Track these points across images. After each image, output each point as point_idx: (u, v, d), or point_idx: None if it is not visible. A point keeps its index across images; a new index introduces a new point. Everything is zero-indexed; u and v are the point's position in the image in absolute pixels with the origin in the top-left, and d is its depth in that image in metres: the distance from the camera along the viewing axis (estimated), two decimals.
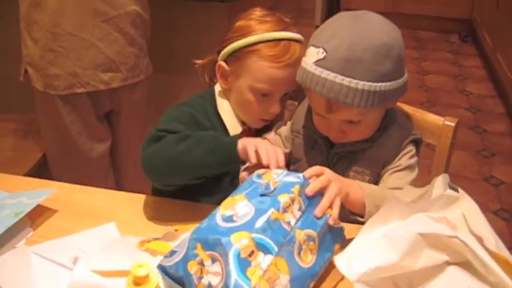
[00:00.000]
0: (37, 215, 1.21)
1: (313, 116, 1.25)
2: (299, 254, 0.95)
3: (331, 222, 1.01)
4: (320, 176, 1.04)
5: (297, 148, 1.33)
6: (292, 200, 0.98)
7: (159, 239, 1.08)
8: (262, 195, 0.99)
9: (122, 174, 2.05)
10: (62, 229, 1.18)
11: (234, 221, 0.93)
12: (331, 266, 1.01)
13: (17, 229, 1.16)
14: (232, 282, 0.85)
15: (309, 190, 1.01)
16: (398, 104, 1.35)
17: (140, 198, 1.29)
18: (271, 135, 1.38)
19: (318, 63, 1.13)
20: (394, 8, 4.56)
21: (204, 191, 1.29)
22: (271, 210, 0.95)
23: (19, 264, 1.06)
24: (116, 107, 1.89)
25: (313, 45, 1.16)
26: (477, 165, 3.00)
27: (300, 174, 1.04)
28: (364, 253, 0.94)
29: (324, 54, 1.12)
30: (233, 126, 1.36)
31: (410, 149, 1.26)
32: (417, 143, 1.28)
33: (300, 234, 0.96)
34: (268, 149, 1.11)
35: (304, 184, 1.02)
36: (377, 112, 1.21)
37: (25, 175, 1.88)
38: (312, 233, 0.99)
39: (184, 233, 1.06)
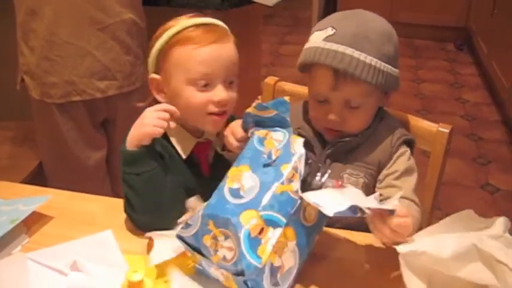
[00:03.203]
0: (33, 222, 1.21)
1: (311, 106, 1.27)
2: (304, 215, 1.01)
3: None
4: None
5: None
6: (295, 169, 1.03)
7: None
8: (265, 165, 1.03)
9: (118, 182, 2.03)
10: (57, 236, 1.18)
11: (241, 197, 0.98)
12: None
13: (13, 236, 1.16)
14: (244, 262, 0.91)
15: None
16: (392, 110, 1.36)
17: None
18: None
19: (327, 38, 1.18)
20: (391, 17, 4.52)
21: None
22: (276, 184, 0.99)
23: (16, 270, 1.06)
24: (111, 115, 1.89)
25: (318, 30, 1.22)
26: (473, 173, 3.01)
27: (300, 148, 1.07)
28: (420, 236, 0.98)
29: (334, 30, 1.19)
30: (182, 144, 1.27)
31: (404, 150, 1.26)
32: (410, 143, 1.29)
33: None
34: (168, 111, 1.15)
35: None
36: (374, 100, 1.24)
37: (21, 183, 1.87)
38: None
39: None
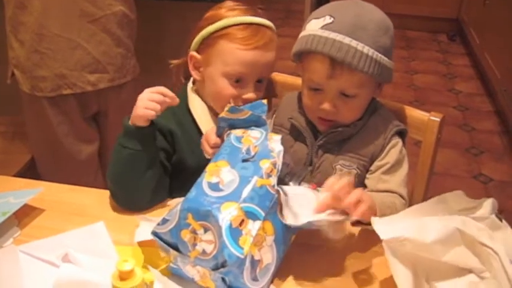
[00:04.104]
0: (24, 215, 1.21)
1: (305, 94, 1.26)
2: (281, 211, 1.01)
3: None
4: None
5: None
6: (274, 164, 1.04)
7: None
8: (244, 160, 1.04)
9: None
10: (49, 228, 1.18)
11: (221, 190, 0.98)
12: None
13: (4, 229, 1.16)
14: (226, 252, 0.91)
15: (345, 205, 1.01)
16: (383, 100, 1.36)
17: None
18: None
19: (325, 27, 1.17)
20: (383, 9, 4.51)
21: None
22: (255, 178, 1.00)
23: (8, 263, 1.06)
24: (103, 108, 1.89)
25: (315, 18, 1.21)
26: (466, 163, 3.02)
27: (278, 145, 1.09)
28: (402, 222, 0.98)
29: (332, 19, 1.17)
30: (205, 123, 1.35)
31: (396, 141, 1.26)
32: (402, 134, 1.29)
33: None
34: (163, 93, 1.19)
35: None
36: (368, 91, 1.24)
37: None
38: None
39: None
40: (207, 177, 1.01)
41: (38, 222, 1.21)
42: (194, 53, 1.35)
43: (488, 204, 1.04)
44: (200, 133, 1.34)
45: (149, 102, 1.18)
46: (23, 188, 1.29)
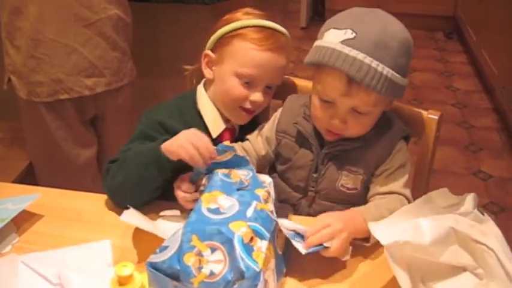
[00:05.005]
0: (23, 221, 1.20)
1: (315, 105, 1.22)
2: (276, 240, 1.00)
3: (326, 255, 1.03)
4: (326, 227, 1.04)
5: (284, 148, 1.32)
6: (268, 193, 1.04)
7: None
8: (239, 189, 1.03)
9: None
10: (48, 234, 1.17)
11: (223, 213, 0.96)
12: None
13: (3, 235, 1.15)
14: (243, 265, 0.87)
15: (308, 245, 1.02)
16: None
17: None
18: (253, 136, 1.37)
19: (346, 42, 1.12)
20: (379, 7, 4.50)
21: None
22: (255, 202, 0.99)
23: (6, 272, 1.05)
24: (100, 112, 1.88)
25: (335, 28, 1.15)
26: (465, 160, 3.02)
27: (266, 177, 1.11)
28: (398, 225, 0.97)
29: (354, 34, 1.12)
30: (214, 124, 1.35)
31: (402, 145, 1.25)
32: (407, 138, 1.28)
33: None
34: (199, 147, 1.11)
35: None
36: (381, 108, 1.21)
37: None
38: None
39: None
40: (204, 204, 0.98)
41: (36, 228, 1.20)
42: (209, 52, 1.36)
43: (470, 199, 1.05)
44: (211, 137, 1.32)
45: (205, 151, 1.12)
46: (21, 194, 1.28)
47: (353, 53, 1.11)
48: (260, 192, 1.03)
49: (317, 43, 1.19)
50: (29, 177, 2.00)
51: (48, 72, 1.72)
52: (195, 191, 1.15)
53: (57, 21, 1.68)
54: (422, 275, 0.97)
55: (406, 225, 0.96)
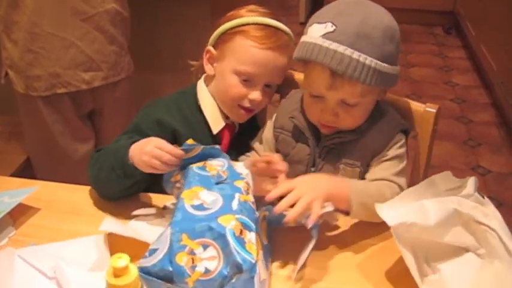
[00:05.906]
0: (20, 214, 1.20)
1: (306, 100, 1.24)
2: (260, 230, 1.00)
3: (309, 224, 1.00)
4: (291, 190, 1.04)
5: (281, 144, 1.32)
6: (247, 183, 1.04)
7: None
8: (218, 183, 1.01)
9: None
10: (45, 227, 1.18)
11: (207, 208, 0.95)
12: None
13: None
14: (239, 258, 0.87)
15: (277, 209, 1.02)
16: None
17: None
18: (256, 144, 1.37)
19: (326, 36, 1.12)
20: (378, 3, 4.56)
21: None
22: (237, 194, 0.98)
23: (4, 266, 1.05)
24: (97, 107, 1.88)
25: (317, 22, 1.16)
26: (464, 155, 3.02)
27: (243, 169, 1.10)
28: (404, 206, 0.99)
29: (334, 27, 1.12)
30: (215, 120, 1.35)
31: (400, 138, 1.25)
32: (406, 132, 1.28)
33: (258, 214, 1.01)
34: (166, 160, 1.08)
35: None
36: (372, 98, 1.21)
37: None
38: (265, 212, 1.05)
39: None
40: (187, 201, 0.96)
41: (33, 221, 1.20)
42: (210, 48, 1.36)
43: (471, 183, 1.06)
44: (210, 133, 1.33)
45: (154, 161, 1.09)
46: (19, 188, 1.28)
47: (333, 46, 1.11)
48: (240, 184, 1.02)
49: (302, 39, 1.19)
50: (26, 171, 2.00)
51: (45, 66, 1.71)
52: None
53: (54, 15, 1.68)
54: (426, 255, 0.99)
55: (411, 206, 0.98)
